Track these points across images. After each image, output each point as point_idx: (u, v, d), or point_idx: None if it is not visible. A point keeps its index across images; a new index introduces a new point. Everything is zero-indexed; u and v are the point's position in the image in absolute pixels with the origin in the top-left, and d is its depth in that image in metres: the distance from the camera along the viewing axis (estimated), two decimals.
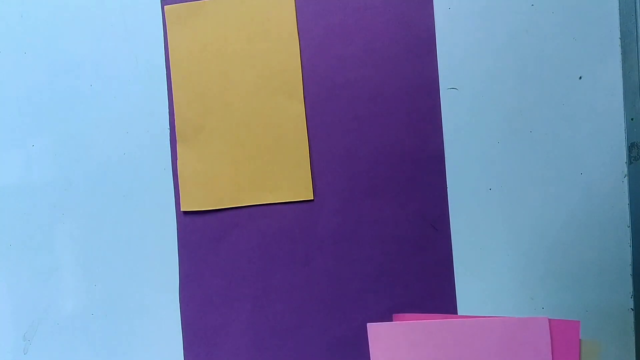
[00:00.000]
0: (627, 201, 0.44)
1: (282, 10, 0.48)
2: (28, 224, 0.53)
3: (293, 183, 0.48)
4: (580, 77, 0.45)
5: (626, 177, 0.44)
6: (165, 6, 0.50)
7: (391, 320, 0.40)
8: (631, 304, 0.44)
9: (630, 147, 0.44)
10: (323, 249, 0.48)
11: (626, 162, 0.44)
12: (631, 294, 0.44)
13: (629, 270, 0.44)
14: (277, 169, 0.48)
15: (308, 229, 0.48)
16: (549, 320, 0.36)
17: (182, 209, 0.50)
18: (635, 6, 0.43)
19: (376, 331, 0.38)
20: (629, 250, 0.44)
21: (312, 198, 0.48)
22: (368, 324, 0.39)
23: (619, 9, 0.44)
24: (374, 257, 0.47)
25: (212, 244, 0.50)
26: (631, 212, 0.44)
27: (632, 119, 0.44)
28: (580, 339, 0.36)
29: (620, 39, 0.44)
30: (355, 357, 0.48)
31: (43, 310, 0.53)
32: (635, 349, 0.44)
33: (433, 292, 0.47)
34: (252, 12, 0.48)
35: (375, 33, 0.47)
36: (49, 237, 0.53)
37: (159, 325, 0.51)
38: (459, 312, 0.46)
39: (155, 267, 0.51)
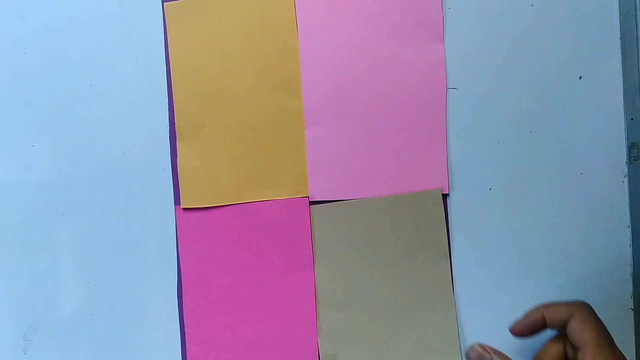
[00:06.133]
0: (627, 201, 0.44)
1: (282, 7, 0.48)
2: (28, 224, 0.53)
3: (292, 180, 0.48)
4: (580, 77, 0.45)
5: (626, 177, 0.44)
6: (165, 3, 0.50)
7: None
8: (631, 304, 0.44)
9: (630, 147, 0.44)
10: None
11: (626, 162, 0.44)
12: (631, 294, 0.44)
13: (629, 270, 0.44)
14: (276, 166, 0.48)
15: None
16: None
17: (182, 206, 0.50)
18: (635, 6, 0.43)
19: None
20: (629, 250, 0.44)
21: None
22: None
23: (619, 9, 0.44)
24: None
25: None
26: (631, 212, 0.44)
27: (632, 119, 0.43)
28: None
29: (620, 39, 0.44)
30: None
31: (43, 310, 0.53)
32: (635, 349, 0.44)
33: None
34: (252, 9, 0.48)
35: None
36: (49, 237, 0.53)
37: (158, 325, 0.51)
38: (460, 311, 0.46)
39: (156, 266, 0.51)
